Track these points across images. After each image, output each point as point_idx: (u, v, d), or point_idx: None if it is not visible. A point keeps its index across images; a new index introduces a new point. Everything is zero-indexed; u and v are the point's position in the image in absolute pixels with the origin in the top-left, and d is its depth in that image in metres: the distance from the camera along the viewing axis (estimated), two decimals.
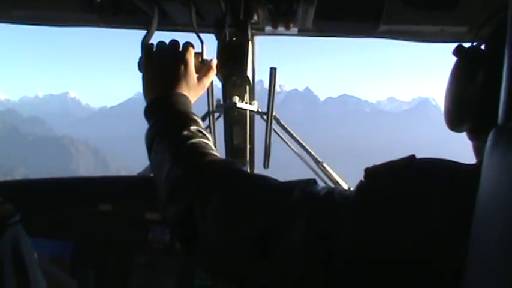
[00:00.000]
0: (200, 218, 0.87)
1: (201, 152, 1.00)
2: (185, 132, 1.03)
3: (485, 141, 0.82)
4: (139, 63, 1.23)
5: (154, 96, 1.15)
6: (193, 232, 0.88)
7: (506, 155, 0.52)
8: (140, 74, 1.21)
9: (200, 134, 1.05)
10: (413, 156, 0.75)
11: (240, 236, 0.82)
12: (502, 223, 0.49)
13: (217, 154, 1.03)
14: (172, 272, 1.79)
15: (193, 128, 1.05)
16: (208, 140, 1.07)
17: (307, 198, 0.78)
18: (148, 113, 1.13)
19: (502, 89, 0.57)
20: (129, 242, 1.84)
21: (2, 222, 0.97)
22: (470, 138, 0.92)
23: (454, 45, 1.05)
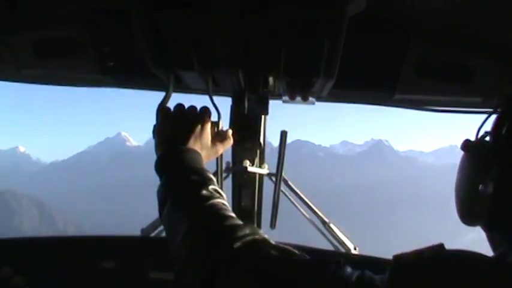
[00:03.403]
0: (224, 286, 0.82)
1: (221, 214, 0.94)
2: (204, 192, 0.97)
3: (500, 234, 0.88)
4: (154, 130, 1.17)
5: (166, 149, 1.09)
6: None
7: None
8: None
9: (217, 195, 1.00)
10: (441, 245, 0.78)
11: None
12: None
13: (235, 217, 0.96)
14: None
15: (211, 187, 1.00)
16: (225, 200, 1.02)
17: (339, 283, 0.76)
18: (159, 166, 1.06)
19: None
20: None
21: None
22: (485, 231, 0.94)
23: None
